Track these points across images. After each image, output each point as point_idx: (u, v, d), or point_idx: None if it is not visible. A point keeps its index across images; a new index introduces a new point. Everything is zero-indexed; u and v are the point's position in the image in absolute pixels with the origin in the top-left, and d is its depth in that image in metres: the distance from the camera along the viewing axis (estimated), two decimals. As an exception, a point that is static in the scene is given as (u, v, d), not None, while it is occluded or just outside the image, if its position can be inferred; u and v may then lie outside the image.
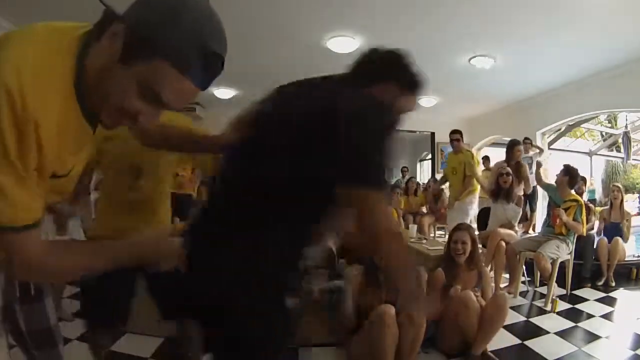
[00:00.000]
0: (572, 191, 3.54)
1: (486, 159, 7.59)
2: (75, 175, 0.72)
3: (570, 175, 3.50)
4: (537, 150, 5.31)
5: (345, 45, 4.12)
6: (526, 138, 5.05)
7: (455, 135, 4.46)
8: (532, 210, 4.73)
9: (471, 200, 4.45)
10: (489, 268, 3.39)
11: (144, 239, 0.77)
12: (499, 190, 3.81)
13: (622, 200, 4.18)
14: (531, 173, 4.45)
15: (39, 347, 1.00)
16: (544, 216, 3.93)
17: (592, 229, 4.13)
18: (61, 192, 0.74)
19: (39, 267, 0.63)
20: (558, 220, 3.34)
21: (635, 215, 5.72)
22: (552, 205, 3.62)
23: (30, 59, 0.54)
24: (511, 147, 4.26)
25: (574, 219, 3.34)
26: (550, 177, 4.51)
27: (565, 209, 3.36)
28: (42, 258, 0.62)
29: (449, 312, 2.18)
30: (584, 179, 4.69)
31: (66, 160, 0.65)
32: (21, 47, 0.55)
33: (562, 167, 3.62)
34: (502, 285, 3.48)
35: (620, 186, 4.39)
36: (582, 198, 4.25)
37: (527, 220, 4.40)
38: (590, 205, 4.32)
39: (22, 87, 0.52)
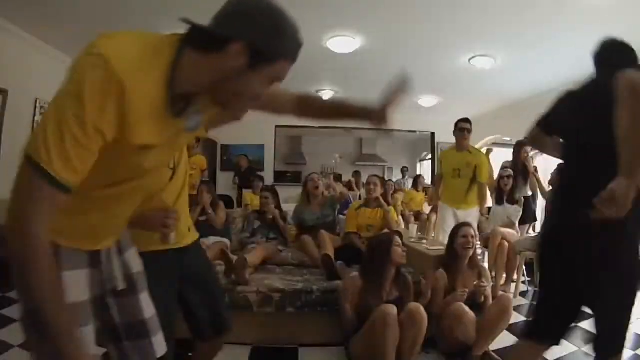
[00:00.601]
0: None
1: None
2: (180, 171, 0.85)
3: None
4: (537, 151, 5.24)
5: (345, 45, 4.13)
6: (526, 137, 5.04)
7: (466, 125, 3.53)
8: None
9: (477, 212, 3.55)
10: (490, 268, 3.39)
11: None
12: (501, 193, 3.81)
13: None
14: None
15: (131, 338, 1.02)
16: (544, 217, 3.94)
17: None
18: (159, 161, 0.87)
19: (25, 240, 0.64)
20: None
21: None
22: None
23: (135, 49, 0.68)
24: (518, 148, 4.23)
25: None
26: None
27: None
28: (39, 237, 0.64)
29: (445, 324, 2.18)
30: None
31: (152, 134, 0.74)
32: (129, 37, 0.70)
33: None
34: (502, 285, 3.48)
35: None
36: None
37: (535, 220, 4.38)
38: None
39: (120, 60, 0.65)
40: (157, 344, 1.05)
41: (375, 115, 1.02)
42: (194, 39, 0.73)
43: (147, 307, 1.05)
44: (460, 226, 2.49)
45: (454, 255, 2.39)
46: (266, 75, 0.76)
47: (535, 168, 4.31)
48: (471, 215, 3.43)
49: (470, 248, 2.36)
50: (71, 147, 0.64)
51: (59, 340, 0.68)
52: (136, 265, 1.07)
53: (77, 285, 0.87)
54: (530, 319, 1.58)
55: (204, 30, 0.72)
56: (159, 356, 1.05)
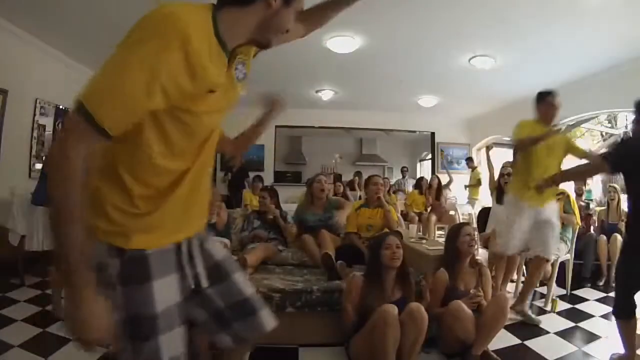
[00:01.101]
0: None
1: (470, 160, 7.54)
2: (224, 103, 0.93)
3: None
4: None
5: (345, 45, 4.13)
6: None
7: (557, 99, 3.02)
8: None
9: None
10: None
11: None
12: (501, 192, 3.81)
13: (619, 201, 4.16)
14: None
15: (239, 317, 1.04)
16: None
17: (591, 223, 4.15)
18: (220, 109, 0.95)
19: (61, 163, 0.72)
20: None
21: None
22: None
23: (186, 6, 0.80)
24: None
25: (565, 212, 3.36)
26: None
27: None
28: (73, 160, 0.72)
29: (445, 323, 2.18)
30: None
31: (212, 75, 0.84)
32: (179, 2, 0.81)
33: None
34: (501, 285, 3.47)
35: (617, 187, 4.34)
36: (581, 198, 4.26)
37: None
38: (589, 204, 4.33)
39: (188, 24, 0.77)
40: (265, 317, 1.10)
41: None
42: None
43: (245, 285, 1.09)
44: (461, 225, 2.49)
45: (457, 254, 2.38)
46: (294, 8, 0.92)
47: None
48: (551, 209, 2.84)
49: (473, 246, 2.37)
50: (118, 94, 0.72)
51: (66, 239, 0.72)
52: (218, 251, 1.09)
53: (169, 290, 0.91)
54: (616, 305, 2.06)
55: None
56: (269, 329, 1.09)
